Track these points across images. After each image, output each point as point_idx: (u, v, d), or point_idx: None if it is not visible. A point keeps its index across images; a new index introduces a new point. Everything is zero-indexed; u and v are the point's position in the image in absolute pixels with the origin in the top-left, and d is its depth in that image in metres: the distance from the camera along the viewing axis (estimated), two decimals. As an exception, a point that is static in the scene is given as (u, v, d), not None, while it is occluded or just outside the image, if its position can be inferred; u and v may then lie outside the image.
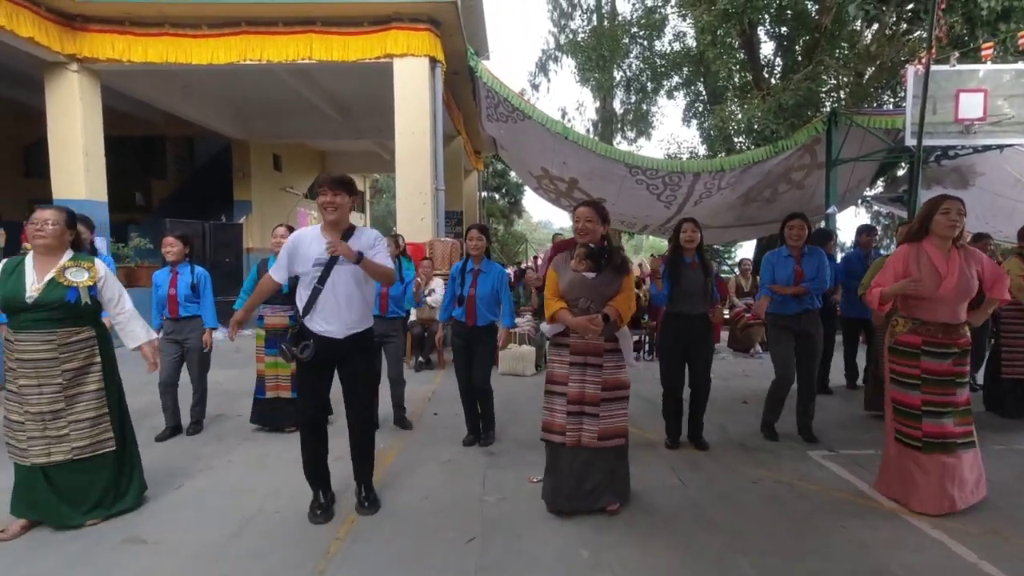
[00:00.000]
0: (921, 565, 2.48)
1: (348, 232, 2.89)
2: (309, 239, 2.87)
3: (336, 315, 2.84)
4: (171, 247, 4.31)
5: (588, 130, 18.59)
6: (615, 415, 2.97)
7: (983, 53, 7.74)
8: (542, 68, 18.94)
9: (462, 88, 10.56)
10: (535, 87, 19.07)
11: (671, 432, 4.08)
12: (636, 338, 7.76)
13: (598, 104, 18.68)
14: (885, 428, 3.17)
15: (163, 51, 7.91)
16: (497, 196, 24.75)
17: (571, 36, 17.11)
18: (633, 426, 4.56)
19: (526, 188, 18.68)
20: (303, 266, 2.84)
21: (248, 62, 7.96)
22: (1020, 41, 7.18)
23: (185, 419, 4.42)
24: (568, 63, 17.74)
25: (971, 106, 7.59)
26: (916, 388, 2.92)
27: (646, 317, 7.58)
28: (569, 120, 18.74)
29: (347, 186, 2.84)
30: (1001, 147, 8.10)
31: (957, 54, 7.74)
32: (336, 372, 2.98)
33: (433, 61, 8.24)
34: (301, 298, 2.88)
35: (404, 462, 3.83)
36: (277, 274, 2.92)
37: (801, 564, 2.50)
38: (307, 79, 10.57)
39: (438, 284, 6.93)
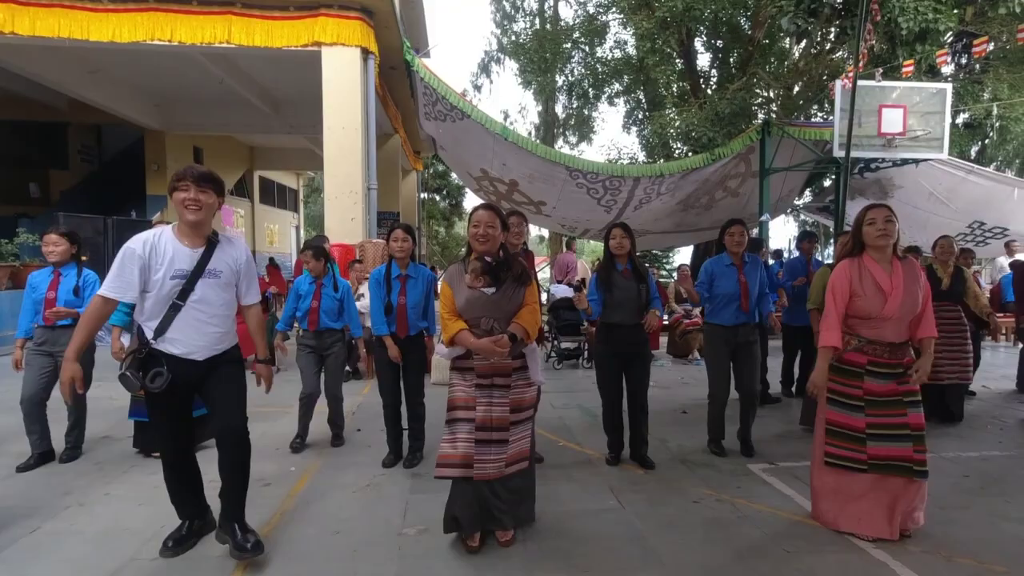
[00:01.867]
0: (868, 593, 2.33)
1: (212, 240, 2.48)
2: (164, 244, 2.41)
3: (200, 335, 2.43)
4: (54, 246, 3.71)
5: (530, 133, 18.54)
6: (521, 438, 2.71)
7: (904, 71, 8.09)
8: (484, 69, 18.72)
9: (399, 84, 10.15)
10: (477, 88, 18.84)
11: (612, 447, 3.85)
12: (575, 345, 7.59)
13: (540, 108, 18.63)
14: (812, 452, 2.95)
15: (55, 24, 7.06)
16: (438, 197, 24.31)
17: (514, 38, 16.96)
18: (572, 441, 4.36)
19: (468, 190, 18.37)
20: (156, 276, 2.37)
21: (157, 42, 7.24)
22: (939, 60, 7.56)
23: (59, 444, 3.80)
24: (511, 65, 17.60)
25: (892, 121, 7.93)
26: (860, 410, 2.73)
27: (585, 323, 7.41)
28: (511, 123, 18.65)
29: (216, 184, 2.45)
30: (917, 161, 8.50)
31: (881, 70, 8.06)
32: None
33: (366, 52, 7.79)
34: (147, 314, 2.40)
35: (317, 488, 3.42)
36: (123, 292, 2.34)
37: (747, 598, 2.30)
38: (231, 66, 9.85)
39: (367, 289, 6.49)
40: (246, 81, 10.58)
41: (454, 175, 19.86)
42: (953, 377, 4.81)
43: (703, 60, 14.31)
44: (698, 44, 13.76)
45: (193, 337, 2.41)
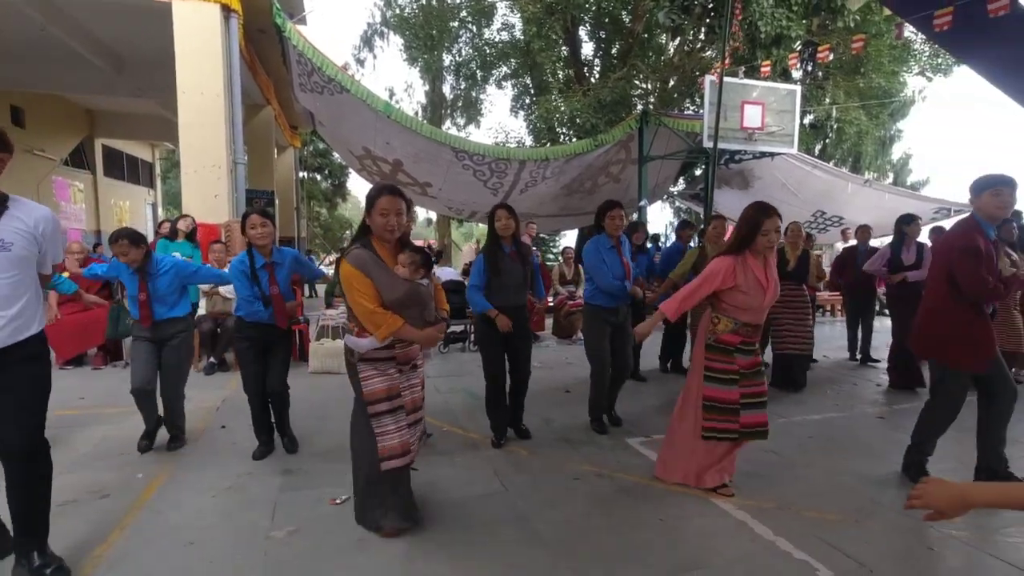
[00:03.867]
0: (731, 550, 2.49)
1: None
2: None
3: None
4: None
5: (417, 113, 17.97)
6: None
7: (762, 71, 8.84)
8: (367, 42, 17.76)
9: (271, 51, 9.29)
10: (360, 62, 17.83)
11: (496, 429, 3.82)
12: (460, 328, 7.50)
13: (427, 87, 18.16)
14: (682, 423, 3.18)
15: None
16: (319, 177, 22.97)
17: (399, 12, 16.27)
18: (456, 425, 4.27)
19: (351, 170, 17.49)
20: None
21: (-47, -25, 5.97)
22: (791, 63, 8.36)
23: None
24: (396, 41, 16.85)
25: (752, 117, 8.62)
26: (735, 383, 2.98)
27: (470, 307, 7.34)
28: (398, 101, 17.93)
29: None
30: (772, 155, 9.36)
31: (744, 69, 8.75)
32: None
33: (227, 10, 7.03)
34: None
35: (170, 495, 3.03)
36: None
37: (624, 570, 2.35)
38: (58, 15, 8.42)
39: (234, 271, 5.90)
40: (77, 32, 9.08)
41: (336, 154, 18.82)
42: (797, 349, 5.34)
43: (587, 49, 14.73)
44: (582, 33, 14.12)
45: None
